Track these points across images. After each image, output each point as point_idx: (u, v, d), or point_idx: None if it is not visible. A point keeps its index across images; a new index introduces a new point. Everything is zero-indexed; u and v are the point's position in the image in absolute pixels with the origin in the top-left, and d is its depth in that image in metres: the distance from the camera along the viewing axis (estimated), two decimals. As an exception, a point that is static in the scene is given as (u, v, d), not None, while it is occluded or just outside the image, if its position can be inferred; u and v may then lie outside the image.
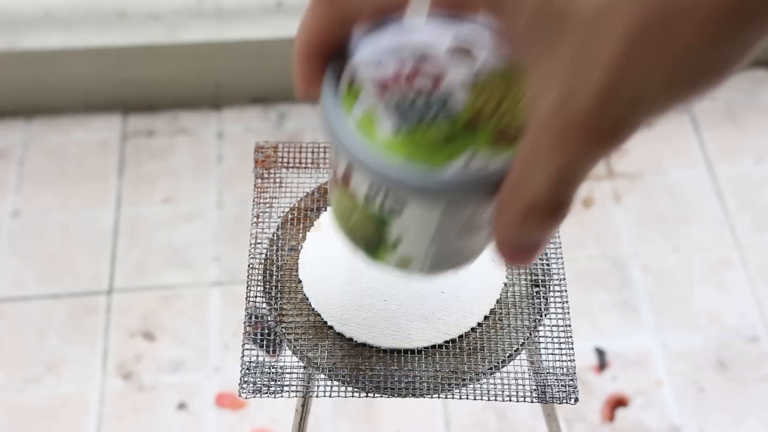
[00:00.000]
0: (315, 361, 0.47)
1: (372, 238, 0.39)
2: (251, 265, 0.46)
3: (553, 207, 0.30)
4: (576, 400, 0.47)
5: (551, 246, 0.52)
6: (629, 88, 0.27)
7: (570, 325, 0.49)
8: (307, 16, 0.33)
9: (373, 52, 0.35)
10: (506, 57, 0.35)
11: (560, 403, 0.48)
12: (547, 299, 0.50)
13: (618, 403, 1.11)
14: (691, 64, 0.26)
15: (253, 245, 0.47)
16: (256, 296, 0.46)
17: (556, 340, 0.49)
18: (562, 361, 0.49)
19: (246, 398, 0.50)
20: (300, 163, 0.53)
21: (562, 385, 0.48)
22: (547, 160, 0.29)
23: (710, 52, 0.25)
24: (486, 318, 0.49)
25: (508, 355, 0.48)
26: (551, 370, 0.49)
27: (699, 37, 0.25)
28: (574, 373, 0.48)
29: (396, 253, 0.39)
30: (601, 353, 1.15)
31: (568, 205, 0.31)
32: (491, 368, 0.48)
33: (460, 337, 0.49)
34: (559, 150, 0.29)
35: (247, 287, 0.46)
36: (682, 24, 0.25)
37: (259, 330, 0.47)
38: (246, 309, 0.45)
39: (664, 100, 0.27)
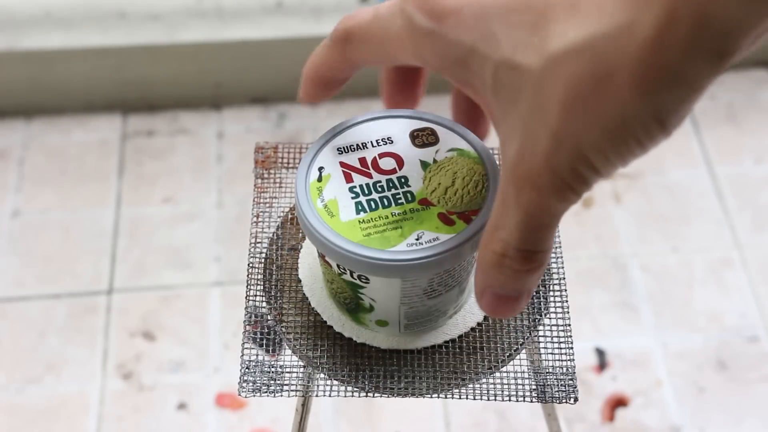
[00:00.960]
0: (315, 360, 0.47)
1: (351, 301, 0.44)
2: (251, 265, 0.46)
3: (524, 253, 0.32)
4: (576, 399, 0.48)
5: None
6: (572, 141, 0.29)
7: (570, 325, 0.49)
8: (320, 49, 0.38)
9: (341, 143, 0.41)
10: (459, 141, 0.41)
11: (560, 403, 0.48)
12: (546, 299, 0.50)
13: (618, 403, 1.12)
14: (624, 117, 0.28)
15: (253, 245, 0.47)
16: (255, 296, 0.46)
17: (555, 339, 0.49)
18: (562, 360, 0.49)
19: (246, 397, 0.50)
20: (300, 163, 0.53)
21: (561, 385, 0.48)
22: (515, 207, 0.31)
23: (639, 106, 0.27)
24: (486, 318, 0.50)
25: (507, 354, 0.48)
26: (551, 370, 0.49)
27: (625, 94, 0.27)
28: (574, 372, 0.48)
29: (372, 314, 0.44)
30: (601, 353, 1.15)
31: (543, 252, 0.33)
32: (491, 368, 0.48)
33: (460, 336, 0.49)
34: (521, 198, 0.31)
35: (247, 287, 0.46)
36: (609, 84, 0.27)
37: (258, 329, 0.47)
38: (246, 308, 0.45)
39: (608, 151, 0.29)
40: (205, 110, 1.41)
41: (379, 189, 0.40)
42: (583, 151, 0.29)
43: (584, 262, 1.23)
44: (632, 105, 0.28)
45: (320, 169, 0.40)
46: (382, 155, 0.41)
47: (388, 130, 0.42)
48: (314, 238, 0.39)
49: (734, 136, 1.37)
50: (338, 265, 0.41)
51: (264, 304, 0.47)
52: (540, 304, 0.50)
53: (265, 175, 0.51)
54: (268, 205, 0.50)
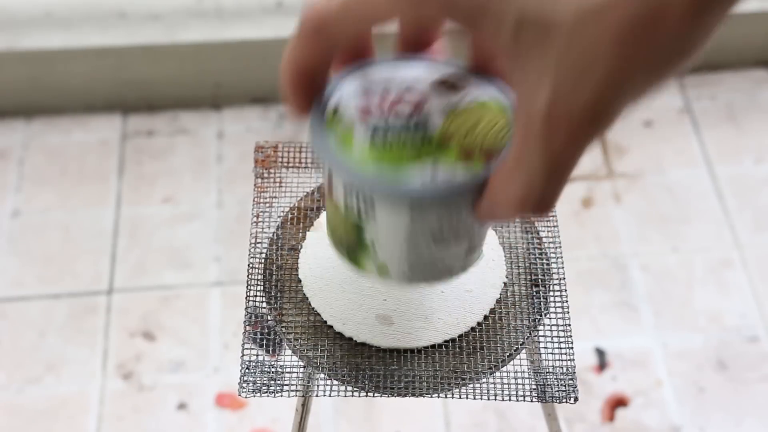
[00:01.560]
0: (315, 360, 0.47)
1: (352, 244, 0.42)
2: (251, 265, 0.46)
3: (546, 197, 0.34)
4: (576, 399, 0.48)
5: (551, 246, 0.52)
6: (623, 78, 0.31)
7: (570, 325, 0.49)
8: (292, 47, 0.36)
9: (362, 84, 0.40)
10: (484, 91, 0.40)
11: (560, 403, 0.48)
12: (546, 299, 0.50)
13: (618, 403, 1.12)
14: (672, 50, 0.30)
15: (253, 245, 0.47)
16: (256, 296, 0.46)
17: (555, 339, 0.49)
18: (562, 360, 0.49)
19: (246, 397, 0.50)
20: (300, 162, 0.53)
21: (561, 385, 0.48)
22: (543, 146, 0.32)
23: (686, 37, 0.30)
24: (486, 317, 0.50)
25: (507, 354, 0.48)
26: (551, 370, 0.49)
27: (678, 26, 0.30)
28: (574, 372, 0.48)
29: (374, 259, 0.42)
30: (601, 353, 1.15)
31: (553, 205, 0.35)
32: (491, 368, 0.48)
33: (460, 336, 0.49)
34: (553, 141, 0.32)
35: (247, 287, 0.46)
36: (664, 19, 0.29)
37: (259, 329, 0.47)
38: (246, 309, 0.45)
39: (649, 84, 0.31)
40: (205, 110, 1.41)
41: (399, 127, 0.39)
42: (634, 83, 0.31)
43: (584, 262, 1.23)
44: (687, 31, 0.30)
45: (338, 102, 0.39)
46: (403, 95, 0.40)
47: (413, 72, 0.40)
48: (327, 163, 0.38)
49: (734, 136, 1.37)
50: (345, 200, 0.39)
51: (264, 304, 0.47)
52: (540, 304, 0.50)
53: (265, 175, 0.51)
54: (268, 204, 0.50)
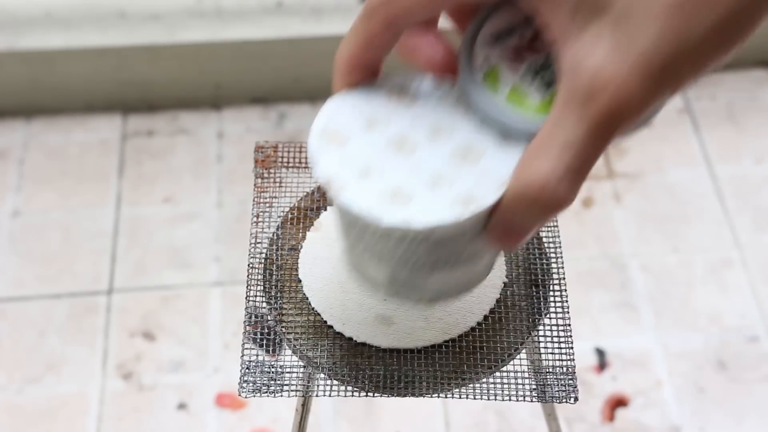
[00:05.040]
0: (315, 360, 0.47)
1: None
2: (251, 265, 0.46)
3: (577, 174, 0.32)
4: (576, 399, 0.48)
5: (551, 246, 0.52)
6: (677, 41, 0.31)
7: (570, 325, 0.49)
8: (355, 31, 0.37)
9: (487, 36, 0.38)
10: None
11: (560, 403, 0.48)
12: (546, 299, 0.50)
13: (618, 403, 1.12)
14: (727, 22, 0.30)
15: (253, 245, 0.47)
16: (256, 296, 0.46)
17: (555, 339, 0.49)
18: (562, 360, 0.49)
19: (246, 397, 0.50)
20: (300, 162, 0.53)
21: (561, 385, 0.48)
22: (585, 106, 0.31)
23: (742, 12, 0.30)
24: (486, 318, 0.49)
25: (507, 354, 0.48)
26: (551, 370, 0.49)
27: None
28: (574, 372, 0.48)
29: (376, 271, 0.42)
30: (601, 353, 1.15)
31: (587, 171, 0.33)
32: (491, 368, 0.48)
33: (460, 336, 0.49)
34: (593, 106, 0.31)
35: (247, 287, 0.46)
36: None
37: (259, 330, 0.47)
38: (246, 308, 0.45)
39: (704, 56, 0.31)
40: (205, 110, 1.41)
41: (547, 70, 0.38)
42: (685, 55, 0.31)
43: (584, 262, 1.23)
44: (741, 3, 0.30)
45: (486, 63, 0.38)
46: (527, 39, 0.39)
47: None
48: (504, 126, 0.37)
49: (734, 136, 1.37)
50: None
51: (264, 304, 0.47)
52: (540, 304, 0.50)
53: (265, 175, 0.51)
54: (268, 204, 0.50)
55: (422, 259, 0.39)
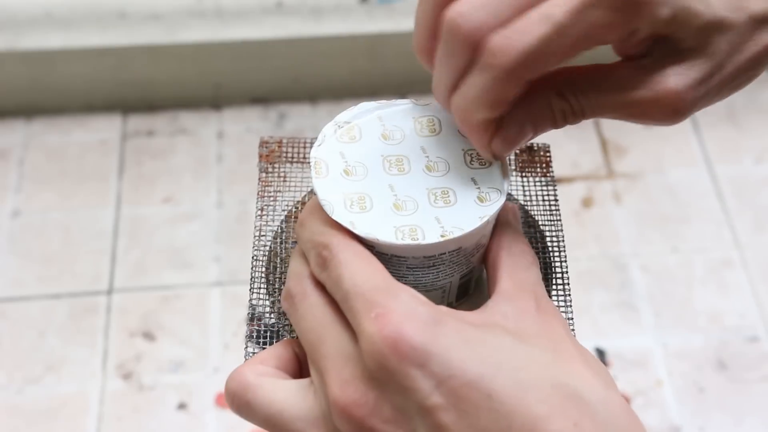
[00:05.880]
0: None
1: None
2: (255, 257, 0.46)
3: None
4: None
5: (554, 239, 0.52)
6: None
7: (572, 319, 0.49)
8: (488, 88, 0.35)
9: None
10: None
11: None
12: (549, 294, 0.50)
13: (618, 402, 1.11)
14: None
15: (257, 237, 0.47)
16: (260, 288, 0.46)
17: (559, 334, 0.49)
18: (566, 354, 0.49)
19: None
20: (304, 158, 0.52)
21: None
22: None
23: None
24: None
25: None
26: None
27: None
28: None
29: None
30: (601, 353, 1.15)
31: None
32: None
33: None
34: None
35: (251, 279, 0.45)
36: None
37: (261, 326, 0.47)
38: (249, 300, 0.45)
39: None
40: (205, 110, 1.41)
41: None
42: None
43: (584, 262, 1.23)
44: None
45: None
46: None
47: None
48: None
49: (734, 136, 1.38)
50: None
51: (267, 297, 0.47)
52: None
53: (270, 170, 0.51)
54: (272, 198, 0.50)
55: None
